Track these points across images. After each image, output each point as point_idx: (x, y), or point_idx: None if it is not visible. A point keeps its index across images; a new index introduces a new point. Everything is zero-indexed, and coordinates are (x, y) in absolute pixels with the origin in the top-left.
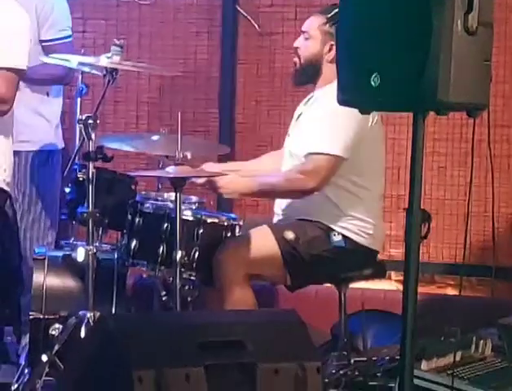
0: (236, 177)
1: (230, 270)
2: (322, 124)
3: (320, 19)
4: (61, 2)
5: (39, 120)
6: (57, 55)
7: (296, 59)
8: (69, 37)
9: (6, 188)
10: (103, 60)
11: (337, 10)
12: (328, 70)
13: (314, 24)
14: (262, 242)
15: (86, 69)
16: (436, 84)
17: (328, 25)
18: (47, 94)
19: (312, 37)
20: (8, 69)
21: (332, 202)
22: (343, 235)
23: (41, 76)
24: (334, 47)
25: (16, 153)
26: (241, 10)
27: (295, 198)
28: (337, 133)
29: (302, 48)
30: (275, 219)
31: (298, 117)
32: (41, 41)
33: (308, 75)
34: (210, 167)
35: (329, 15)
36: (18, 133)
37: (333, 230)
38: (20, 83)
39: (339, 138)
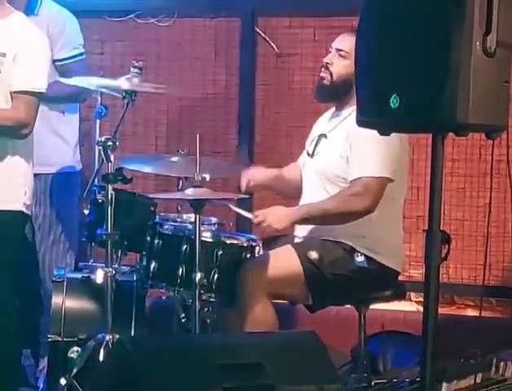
0: (282, 209)
1: (252, 287)
2: (367, 147)
3: None
4: (72, 20)
5: (58, 142)
6: (77, 78)
7: (325, 75)
8: (82, 54)
9: (26, 211)
10: (123, 82)
11: None
12: None
13: (351, 44)
14: (286, 260)
15: (105, 91)
16: (455, 105)
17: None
18: (63, 113)
19: (349, 58)
20: (28, 93)
21: (355, 222)
22: (366, 256)
23: (57, 93)
24: None
25: (36, 176)
26: (260, 32)
27: (348, 221)
28: (383, 157)
29: (336, 65)
30: (297, 241)
31: (321, 138)
32: (54, 61)
33: (337, 93)
34: (257, 172)
35: None
36: (37, 155)
37: (356, 250)
38: None
39: (385, 161)
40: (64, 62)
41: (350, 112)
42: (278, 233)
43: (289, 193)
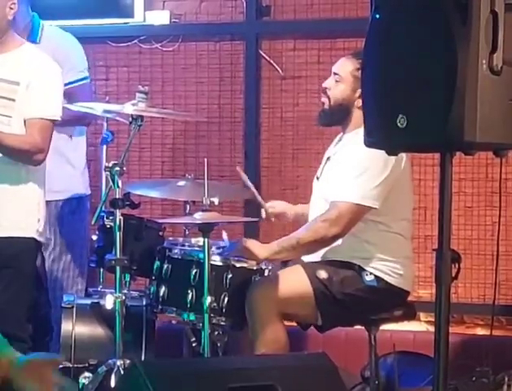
0: (259, 244)
1: (262, 308)
2: (352, 171)
3: (353, 63)
4: (75, 43)
5: (66, 168)
6: (81, 104)
7: (325, 100)
8: (87, 78)
9: (39, 238)
10: (129, 108)
11: None
12: (359, 115)
13: (346, 68)
14: (295, 280)
15: (111, 116)
16: (462, 124)
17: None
18: (71, 137)
19: (344, 81)
20: (42, 119)
21: (364, 243)
22: (375, 276)
23: (64, 117)
24: None
25: (46, 203)
26: (264, 55)
27: (319, 248)
28: (367, 183)
29: (333, 90)
30: (306, 260)
31: (327, 160)
32: None
33: (336, 117)
34: (280, 206)
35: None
36: (47, 182)
37: (366, 270)
38: None
39: (368, 188)
40: (69, 86)
41: (352, 136)
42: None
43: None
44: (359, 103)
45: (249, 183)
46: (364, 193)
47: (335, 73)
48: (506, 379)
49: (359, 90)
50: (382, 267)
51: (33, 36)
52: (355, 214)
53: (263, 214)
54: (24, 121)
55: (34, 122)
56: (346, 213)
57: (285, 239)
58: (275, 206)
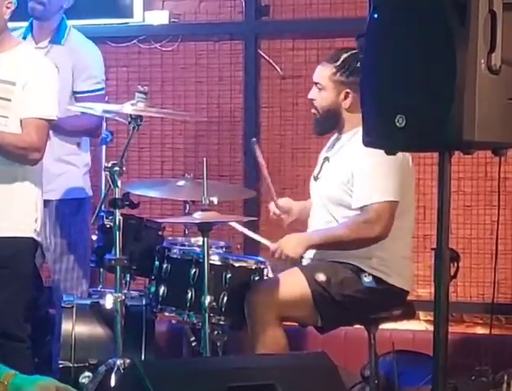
0: (296, 236)
1: (261, 311)
2: (373, 171)
3: (329, 68)
4: (97, 53)
5: (68, 168)
6: (81, 104)
7: (314, 111)
8: (102, 89)
9: (36, 238)
10: (128, 107)
11: (345, 55)
12: (350, 117)
13: (324, 75)
14: (294, 284)
15: (110, 116)
16: (461, 123)
17: (338, 74)
18: (78, 145)
19: (325, 89)
20: (39, 119)
21: None
22: (374, 276)
23: (74, 127)
24: (350, 94)
25: (46, 202)
26: (263, 54)
27: (360, 248)
28: (388, 180)
29: (318, 99)
30: (305, 262)
31: (326, 160)
32: (74, 92)
33: (328, 124)
34: (287, 202)
35: (337, 64)
36: (47, 181)
37: (364, 271)
38: (50, 133)
39: (391, 184)
40: (84, 94)
41: (350, 137)
42: (293, 261)
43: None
44: (346, 104)
45: (265, 172)
46: (393, 188)
47: (315, 83)
48: (506, 377)
49: (344, 92)
50: (381, 267)
51: (58, 36)
52: (392, 210)
53: (273, 209)
54: (21, 121)
55: (30, 122)
56: (383, 212)
57: (326, 233)
58: (283, 204)
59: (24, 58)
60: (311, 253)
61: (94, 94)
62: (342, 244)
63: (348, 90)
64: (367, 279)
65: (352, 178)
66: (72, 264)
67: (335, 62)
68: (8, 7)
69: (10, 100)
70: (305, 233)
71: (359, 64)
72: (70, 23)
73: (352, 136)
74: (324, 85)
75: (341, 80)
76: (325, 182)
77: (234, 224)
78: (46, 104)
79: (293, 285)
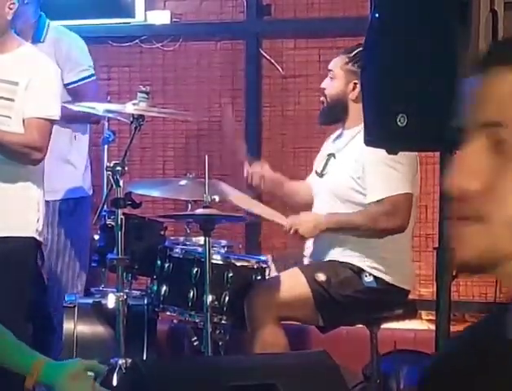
0: (313, 217)
1: (261, 312)
2: (385, 166)
3: (342, 58)
4: (78, 41)
5: (66, 168)
6: (83, 104)
7: (323, 99)
8: (91, 76)
9: (38, 238)
10: (130, 107)
11: (359, 49)
12: (355, 109)
13: (337, 64)
14: (294, 284)
15: (112, 116)
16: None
17: (350, 64)
18: (75, 138)
19: (336, 77)
20: (41, 119)
21: (362, 243)
22: (374, 276)
23: (70, 113)
24: (358, 86)
25: (45, 202)
26: (265, 54)
27: (379, 237)
28: (402, 173)
29: (328, 87)
30: (306, 261)
31: (330, 157)
32: (64, 85)
33: (334, 114)
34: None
35: (351, 55)
36: (46, 182)
37: (364, 270)
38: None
39: (404, 177)
40: (73, 85)
41: (356, 132)
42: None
43: (295, 204)
44: (353, 95)
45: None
46: (407, 181)
47: (329, 70)
48: None
49: (353, 82)
50: (382, 267)
51: (37, 35)
52: (409, 202)
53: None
54: (23, 121)
55: (33, 121)
56: (401, 204)
57: (345, 220)
58: (268, 174)
59: (26, 58)
60: (310, 252)
61: (83, 82)
62: (358, 232)
63: (356, 81)
64: (367, 279)
65: (363, 173)
66: (68, 263)
67: (349, 53)
68: (11, 8)
69: (13, 100)
70: (322, 215)
71: None
72: (72, 23)
73: (357, 133)
74: (336, 73)
75: (351, 69)
76: (332, 178)
77: (239, 203)
78: (49, 104)
79: (293, 286)
